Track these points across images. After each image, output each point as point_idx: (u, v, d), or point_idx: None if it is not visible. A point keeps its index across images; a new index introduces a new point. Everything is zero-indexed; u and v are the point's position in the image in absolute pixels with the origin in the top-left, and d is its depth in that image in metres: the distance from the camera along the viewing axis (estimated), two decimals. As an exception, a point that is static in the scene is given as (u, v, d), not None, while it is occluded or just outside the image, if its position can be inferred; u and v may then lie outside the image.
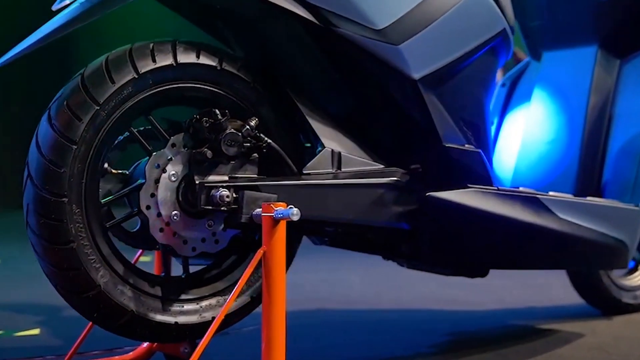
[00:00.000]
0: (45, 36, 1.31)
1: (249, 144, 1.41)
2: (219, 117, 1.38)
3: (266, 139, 1.43)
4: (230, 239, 1.45)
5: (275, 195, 1.37)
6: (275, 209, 1.25)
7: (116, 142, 1.45)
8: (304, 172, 1.45)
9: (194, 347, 1.75)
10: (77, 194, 1.31)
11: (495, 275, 2.79)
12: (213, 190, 1.37)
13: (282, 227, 1.25)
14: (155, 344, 1.69)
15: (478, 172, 1.60)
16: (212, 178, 1.39)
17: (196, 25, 1.58)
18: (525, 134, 2.23)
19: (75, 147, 1.31)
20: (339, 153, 1.49)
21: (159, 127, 1.42)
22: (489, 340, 2.03)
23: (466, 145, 1.59)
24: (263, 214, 1.26)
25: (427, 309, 2.44)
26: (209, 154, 1.38)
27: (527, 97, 2.29)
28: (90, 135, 1.32)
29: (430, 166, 1.57)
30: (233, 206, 1.37)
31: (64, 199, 1.30)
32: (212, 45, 1.46)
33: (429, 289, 2.73)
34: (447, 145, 1.56)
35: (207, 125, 1.38)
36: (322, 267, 3.19)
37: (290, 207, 1.26)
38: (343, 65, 1.51)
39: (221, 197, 1.36)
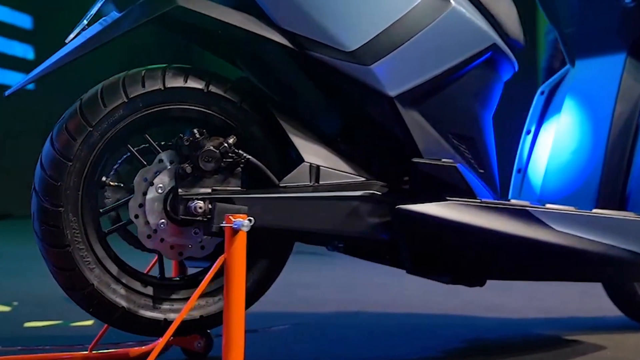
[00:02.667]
0: (51, 64, 1.54)
1: (230, 160, 1.58)
2: (197, 135, 1.56)
3: (245, 154, 1.59)
4: (216, 245, 1.63)
5: (245, 207, 1.53)
6: (234, 220, 1.41)
7: (124, 157, 1.67)
8: (281, 185, 1.60)
9: (207, 341, 1.94)
10: (74, 204, 1.53)
11: (552, 283, 2.80)
12: (190, 202, 1.55)
13: (241, 236, 1.41)
14: (172, 338, 1.89)
15: (457, 186, 1.67)
16: (192, 190, 1.56)
17: (206, 50, 1.76)
18: (555, 143, 2.25)
19: (70, 163, 1.53)
20: (317, 167, 1.62)
21: (154, 144, 1.62)
22: (499, 347, 2.08)
23: (443, 160, 1.67)
24: (225, 225, 1.42)
25: (461, 315, 2.51)
26: (188, 169, 1.56)
27: (562, 105, 2.31)
28: (85, 153, 1.54)
29: (409, 179, 1.67)
30: (208, 216, 1.54)
31: (60, 209, 1.53)
32: (202, 69, 1.64)
33: (478, 295, 2.78)
34: (418, 160, 1.64)
35: (187, 143, 1.56)
36: (384, 269, 3.31)
37: (249, 219, 1.42)
38: (323, 85, 1.64)
39: (195, 208, 1.54)
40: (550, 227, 1.76)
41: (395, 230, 1.63)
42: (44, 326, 2.30)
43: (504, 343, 2.15)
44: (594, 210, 1.88)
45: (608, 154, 2.08)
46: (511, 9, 1.84)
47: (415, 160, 1.65)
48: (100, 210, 1.60)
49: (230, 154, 1.57)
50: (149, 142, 1.62)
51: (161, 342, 1.44)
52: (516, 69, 1.91)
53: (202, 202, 1.54)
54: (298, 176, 1.61)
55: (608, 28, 2.16)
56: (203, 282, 1.45)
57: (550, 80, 2.43)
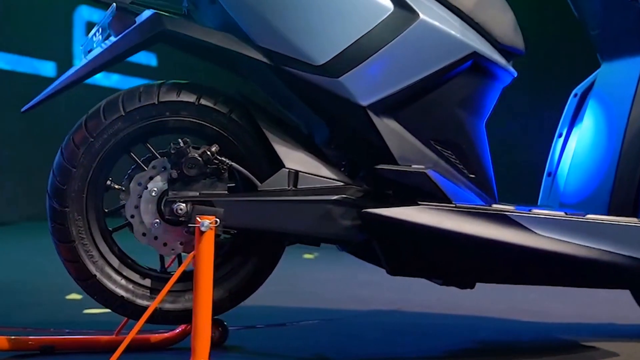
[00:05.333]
0: (60, 82, 1.79)
1: (214, 166, 1.77)
2: (181, 144, 1.77)
3: (227, 161, 1.78)
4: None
5: (221, 210, 1.72)
6: (201, 221, 1.60)
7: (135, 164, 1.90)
8: (260, 189, 1.78)
9: (222, 331, 2.14)
10: (78, 205, 1.79)
11: (607, 290, 2.78)
12: (174, 204, 1.76)
13: (208, 235, 1.60)
14: (189, 327, 2.11)
15: (427, 191, 1.77)
16: (180, 194, 1.77)
17: (208, 62, 1.96)
18: (576, 147, 2.27)
19: (74, 169, 1.79)
20: (296, 172, 1.78)
21: (154, 152, 1.84)
22: (506, 350, 2.13)
23: (413, 166, 1.77)
24: (195, 225, 1.62)
25: (494, 318, 2.56)
26: (175, 174, 1.77)
27: (587, 108, 2.32)
28: (88, 160, 1.78)
29: (382, 184, 1.79)
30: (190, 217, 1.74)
31: (66, 209, 1.79)
32: (195, 84, 1.85)
33: (527, 300, 2.82)
34: (384, 166, 1.76)
35: (174, 151, 1.77)
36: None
37: (216, 220, 1.61)
38: (302, 96, 1.80)
39: (177, 209, 1.75)
40: (534, 232, 1.81)
41: (364, 233, 1.76)
42: (98, 313, 2.60)
43: (515, 346, 2.20)
44: (588, 216, 1.91)
45: (622, 158, 2.08)
46: (504, 15, 1.91)
47: (380, 167, 1.77)
48: (106, 210, 1.85)
49: (213, 161, 1.77)
50: (150, 150, 1.84)
51: (136, 327, 1.65)
52: (514, 74, 1.97)
53: (184, 204, 1.75)
54: (277, 181, 1.78)
55: (627, 30, 2.16)
56: (174, 276, 1.66)
57: (584, 82, 2.44)
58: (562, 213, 1.88)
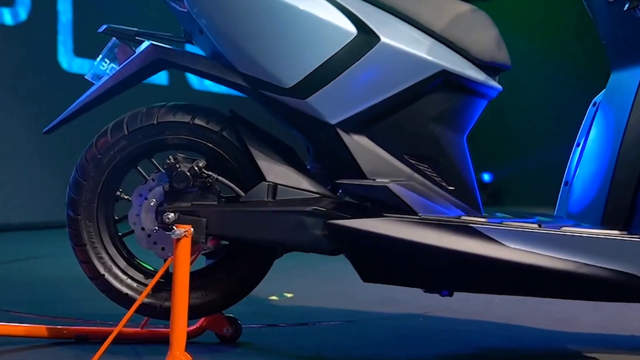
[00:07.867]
0: (84, 102, 2.08)
1: (202, 179, 2.01)
2: (172, 160, 2.01)
3: (214, 175, 2.01)
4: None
5: (204, 219, 1.95)
6: (175, 229, 1.85)
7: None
8: (240, 200, 2.00)
9: (235, 328, 2.37)
10: (90, 213, 2.08)
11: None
12: (164, 214, 2.01)
13: (183, 242, 1.84)
14: (206, 323, 2.37)
15: (391, 203, 1.91)
16: (173, 204, 2.01)
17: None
18: (583, 157, 2.31)
19: (85, 182, 2.08)
20: (275, 185, 1.98)
21: (157, 166, 2.11)
22: (501, 356, 2.22)
23: (377, 180, 1.92)
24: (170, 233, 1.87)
25: (516, 325, 2.63)
26: (166, 187, 2.02)
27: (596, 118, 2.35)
28: (97, 174, 2.07)
29: (357, 197, 1.96)
30: None
31: (79, 216, 2.09)
32: (192, 105, 2.09)
33: (564, 309, 2.85)
34: (343, 181, 1.92)
35: (166, 167, 2.02)
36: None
37: (190, 229, 1.84)
38: (281, 116, 2.00)
39: (165, 218, 1.99)
40: (502, 243, 1.90)
41: (334, 242, 1.93)
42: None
43: (514, 353, 2.28)
44: (562, 228, 1.97)
45: (617, 169, 2.11)
46: (483, 32, 2.01)
47: (341, 181, 1.94)
48: (116, 217, 2.14)
49: (201, 174, 2.01)
50: (154, 164, 2.11)
51: (123, 319, 1.92)
52: (497, 89, 2.06)
53: (172, 213, 2.00)
54: (257, 193, 1.99)
55: (630, 40, 2.18)
56: (154, 277, 1.92)
57: (603, 91, 2.47)
58: (535, 225, 1.96)
